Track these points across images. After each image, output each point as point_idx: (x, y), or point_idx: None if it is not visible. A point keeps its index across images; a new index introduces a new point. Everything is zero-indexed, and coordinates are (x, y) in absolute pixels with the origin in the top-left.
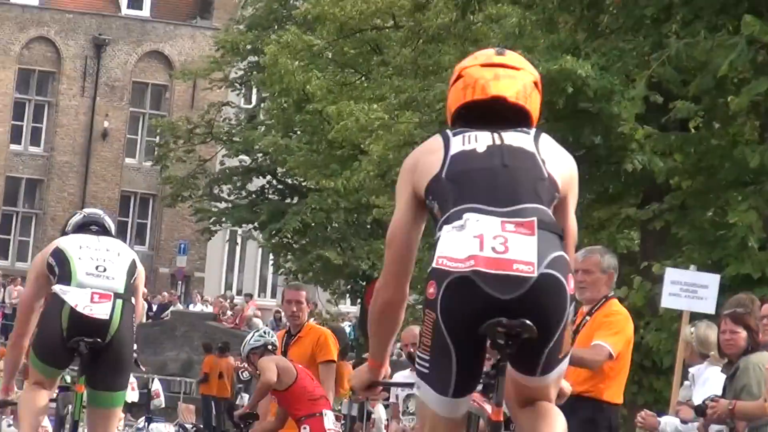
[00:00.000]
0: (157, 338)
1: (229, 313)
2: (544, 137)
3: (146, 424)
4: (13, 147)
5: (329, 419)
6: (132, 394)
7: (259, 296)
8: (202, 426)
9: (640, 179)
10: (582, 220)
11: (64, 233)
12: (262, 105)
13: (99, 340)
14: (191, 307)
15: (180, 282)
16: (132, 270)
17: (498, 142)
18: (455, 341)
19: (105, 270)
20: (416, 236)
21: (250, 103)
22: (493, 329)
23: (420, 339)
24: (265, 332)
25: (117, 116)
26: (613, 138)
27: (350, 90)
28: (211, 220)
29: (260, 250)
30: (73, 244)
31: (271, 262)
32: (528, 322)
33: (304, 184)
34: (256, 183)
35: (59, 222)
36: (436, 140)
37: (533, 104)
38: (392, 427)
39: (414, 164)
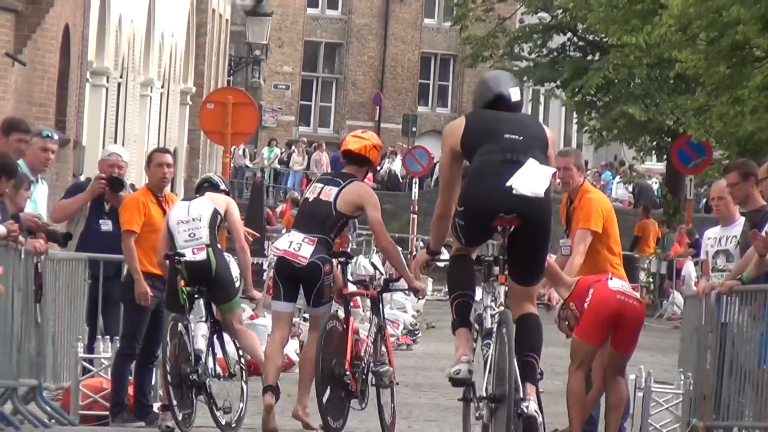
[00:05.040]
0: None
1: None
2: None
3: None
4: (311, 11)
5: None
6: None
7: None
8: None
9: None
10: None
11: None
12: None
13: None
14: None
15: None
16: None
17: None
18: None
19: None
20: None
21: None
22: None
23: None
24: None
25: None
26: None
27: None
28: None
29: (563, 108)
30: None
31: (574, 120)
32: None
33: (605, 40)
34: (557, 40)
35: (360, 87)
36: None
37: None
38: (701, 284)
39: None
